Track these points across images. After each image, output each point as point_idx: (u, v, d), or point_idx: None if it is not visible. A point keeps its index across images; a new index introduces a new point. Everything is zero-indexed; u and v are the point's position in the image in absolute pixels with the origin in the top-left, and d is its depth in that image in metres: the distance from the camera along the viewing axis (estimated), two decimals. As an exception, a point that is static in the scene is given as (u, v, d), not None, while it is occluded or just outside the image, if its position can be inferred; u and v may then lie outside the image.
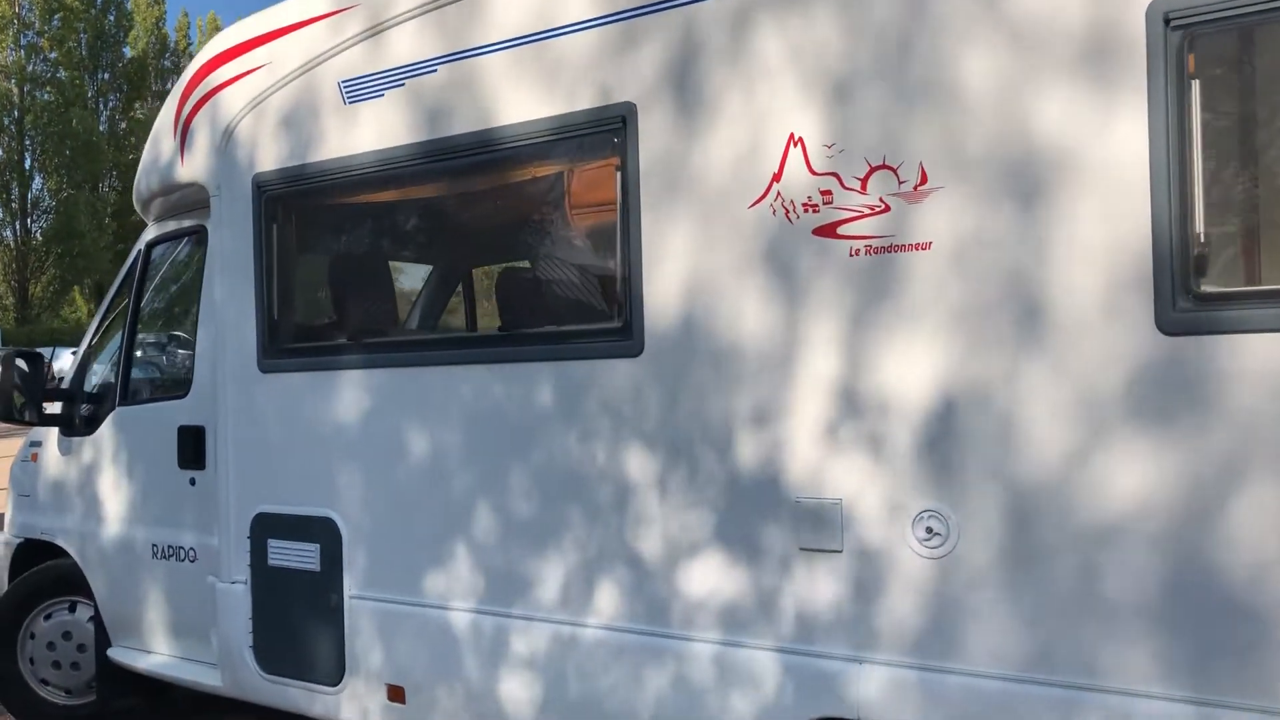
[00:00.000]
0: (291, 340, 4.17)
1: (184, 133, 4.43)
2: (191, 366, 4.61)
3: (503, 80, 3.46)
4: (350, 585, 3.90)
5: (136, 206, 4.98)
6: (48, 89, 47.09)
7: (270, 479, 4.13)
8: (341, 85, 3.89)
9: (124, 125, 53.62)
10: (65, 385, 5.20)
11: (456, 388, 3.59)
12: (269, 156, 4.10)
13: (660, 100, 3.16)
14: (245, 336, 4.17)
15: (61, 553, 5.19)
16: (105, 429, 4.92)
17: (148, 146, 4.69)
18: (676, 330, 3.13)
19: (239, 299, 4.19)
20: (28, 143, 47.21)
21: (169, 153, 4.52)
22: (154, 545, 4.71)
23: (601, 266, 3.37)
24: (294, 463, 4.05)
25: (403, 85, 3.72)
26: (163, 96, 57.90)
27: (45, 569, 5.24)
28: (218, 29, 62.09)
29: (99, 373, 5.16)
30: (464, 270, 3.93)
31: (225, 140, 4.24)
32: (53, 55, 47.89)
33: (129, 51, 54.63)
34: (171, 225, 4.86)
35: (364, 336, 4.05)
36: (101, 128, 50.96)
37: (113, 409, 4.90)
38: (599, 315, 3.42)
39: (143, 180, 4.74)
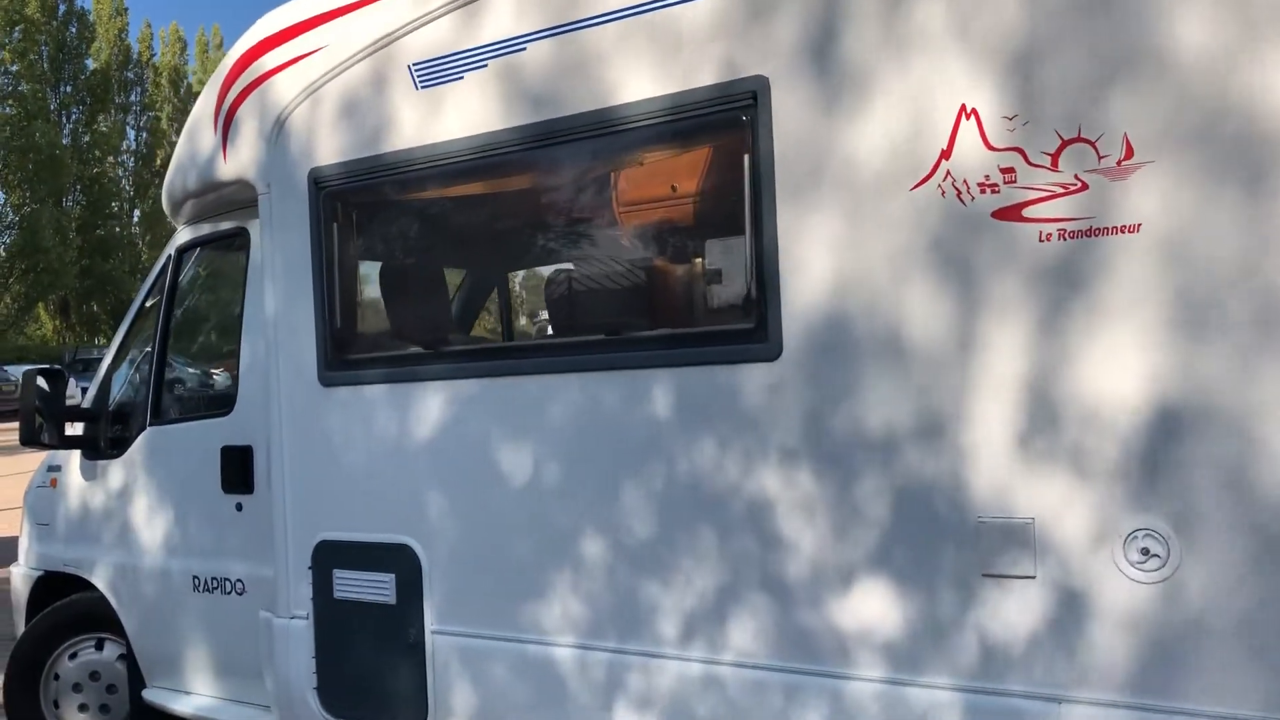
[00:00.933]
0: (359, 350, 3.79)
1: (227, 124, 4.05)
2: (234, 381, 4.23)
3: (608, 57, 3.12)
4: (432, 619, 3.53)
5: (166, 208, 4.58)
6: (9, 102, 46.07)
7: (335, 503, 3.75)
8: (413, 69, 3.53)
9: (87, 138, 52.66)
10: (87, 404, 4.78)
11: (557, 398, 3.23)
12: (328, 149, 3.73)
13: (797, 73, 2.83)
14: (302, 347, 3.80)
15: (86, 585, 4.78)
16: (135, 451, 4.52)
17: (182, 141, 4.30)
18: (823, 330, 2.80)
19: (294, 306, 3.82)
20: (-11, 157, 46.16)
21: (209, 147, 4.14)
22: (195, 577, 4.31)
23: (727, 260, 3.03)
24: (363, 485, 3.67)
25: (485, 66, 3.36)
26: (126, 110, 57.10)
27: (69, 604, 4.82)
28: (180, 40, 61.36)
29: (125, 390, 4.75)
30: (559, 268, 3.57)
31: (276, 132, 3.86)
32: (14, 68, 46.88)
33: (91, 64, 53.67)
34: (206, 228, 4.47)
35: (445, 344, 3.69)
36: (65, 141, 49.97)
37: (143, 429, 4.50)
38: (726, 315, 3.08)
39: (177, 179, 4.34)
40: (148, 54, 58.40)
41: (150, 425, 4.47)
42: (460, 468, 3.44)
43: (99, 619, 4.72)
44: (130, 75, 57.23)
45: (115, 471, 4.61)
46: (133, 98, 57.73)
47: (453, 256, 3.73)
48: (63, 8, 50.88)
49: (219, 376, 4.58)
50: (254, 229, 4.24)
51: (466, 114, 3.40)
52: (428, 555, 3.53)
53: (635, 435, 3.10)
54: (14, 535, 11.12)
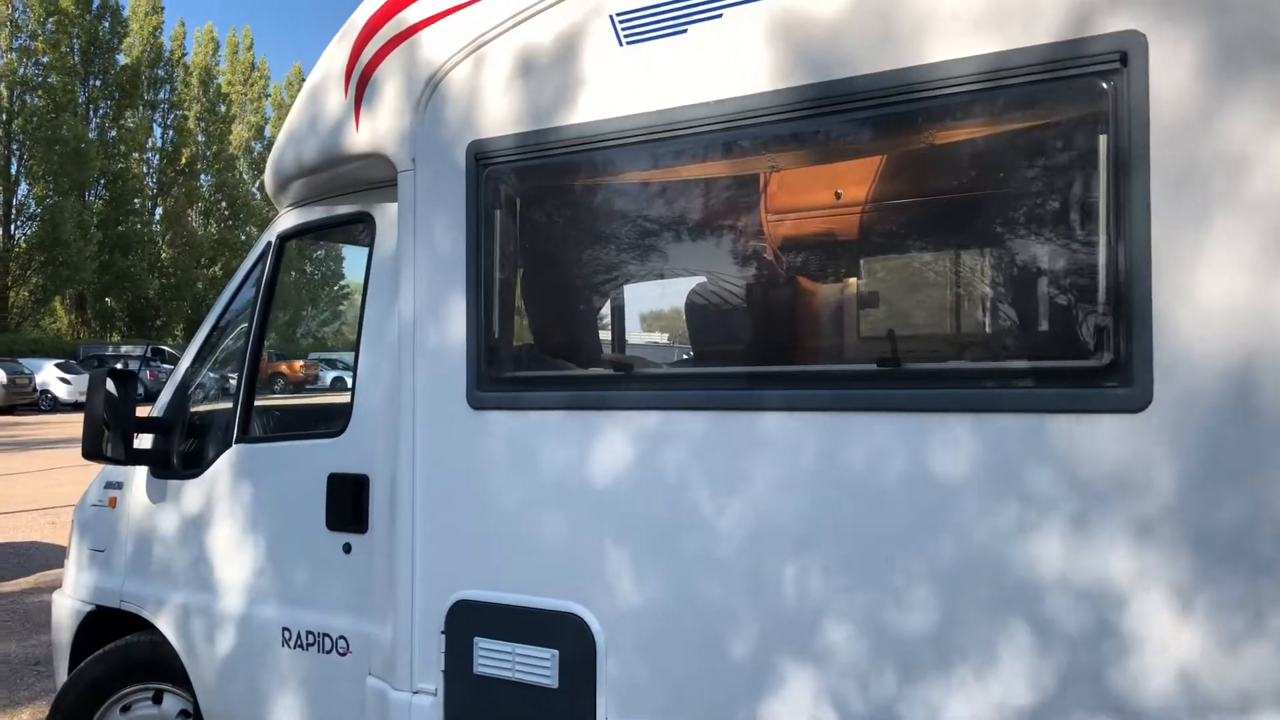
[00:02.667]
0: (522, 366, 3.08)
1: (361, 87, 3.35)
2: (350, 395, 3.50)
3: (898, 5, 2.41)
4: (608, 709, 2.79)
5: (270, 186, 3.87)
6: (38, 93, 45.68)
7: (480, 554, 3.03)
8: (617, 19, 2.83)
9: (114, 133, 52.29)
10: (158, 412, 4.06)
11: (802, 441, 2.51)
12: (495, 118, 3.03)
13: (1188, 28, 2.12)
14: (446, 360, 3.08)
15: (144, 624, 4.05)
16: (216, 471, 3.80)
17: (299, 107, 3.60)
18: (1215, 377, 2.07)
19: (437, 309, 3.11)
20: (14, 147, 45.76)
21: (336, 113, 3.43)
22: (285, 629, 3.58)
23: (1066, 274, 2.31)
24: (520, 533, 2.95)
25: (719, 16, 2.66)
26: (154, 106, 56.70)
27: (124, 647, 4.08)
28: (213, 40, 61.09)
29: (207, 398, 4.03)
30: (803, 275, 2.84)
31: (427, 97, 3.16)
32: (45, 60, 46.52)
33: (122, 59, 53.34)
34: (319, 212, 3.76)
35: (645, 364, 2.97)
36: (91, 135, 49.58)
37: (228, 446, 3.78)
38: (1062, 348, 2.35)
39: (289, 151, 3.64)
40: (179, 52, 58.05)
41: (237, 442, 3.75)
42: (656, 520, 2.71)
43: (159, 667, 3.99)
44: (160, 73, 56.88)
45: (190, 494, 3.88)
46: (161, 95, 57.37)
47: (658, 256, 3.00)
48: (96, 2, 50.58)
49: (330, 388, 3.85)
50: (381, 214, 3.54)
51: (689, 75, 2.69)
52: (605, 629, 2.80)
53: (910, 495, 2.38)
54: (16, 541, 10.41)
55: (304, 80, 3.68)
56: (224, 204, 60.23)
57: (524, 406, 2.97)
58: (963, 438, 2.32)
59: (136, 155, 54.34)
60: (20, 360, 34.47)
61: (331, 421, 3.57)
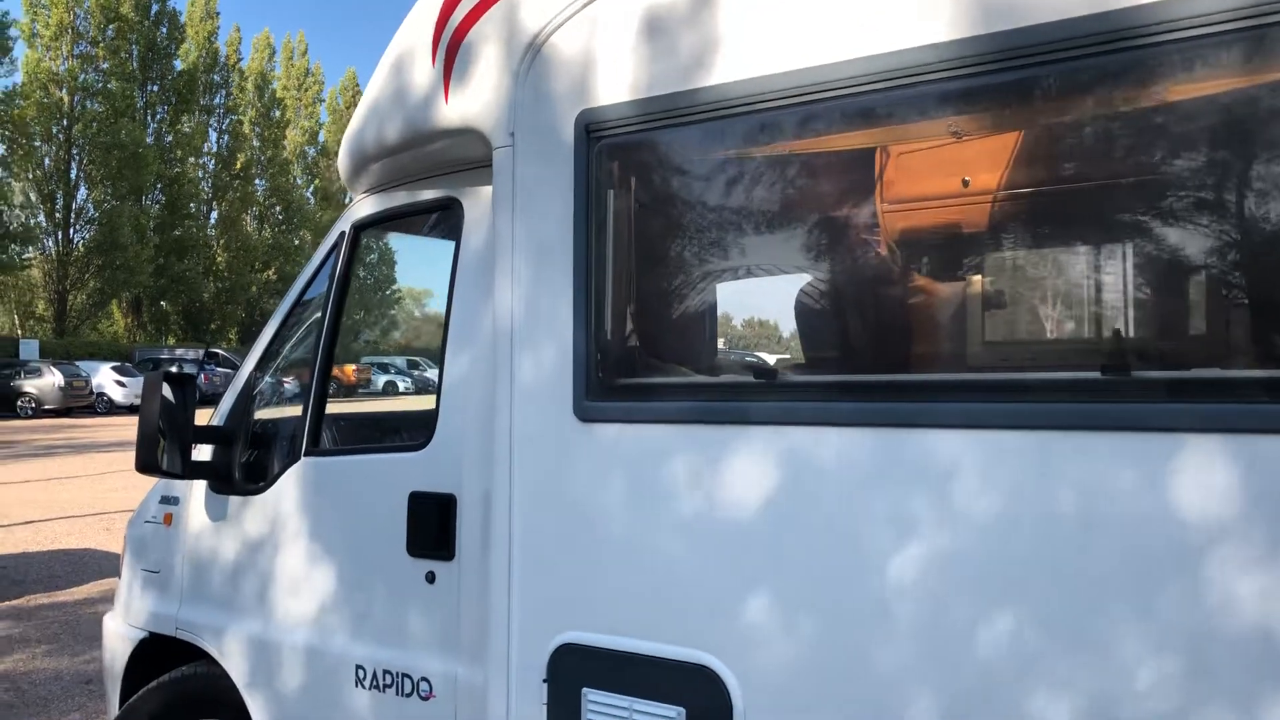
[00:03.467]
0: (644, 372, 2.66)
1: (450, 55, 2.94)
2: (435, 404, 3.10)
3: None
4: (746, 782, 2.35)
5: (345, 171, 3.48)
6: (98, 99, 46.20)
7: (590, 590, 2.60)
8: (759, -36, 2.39)
9: (170, 138, 52.80)
10: (219, 421, 3.69)
11: (996, 466, 2.05)
12: (609, 84, 2.60)
13: None
14: (549, 364, 2.66)
15: (202, 655, 3.68)
16: (283, 487, 3.41)
17: (378, 82, 3.20)
18: None
19: (540, 306, 2.69)
20: (75, 152, 46.29)
21: (422, 86, 3.03)
22: (359, 667, 3.18)
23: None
24: (639, 568, 2.52)
25: (888, -43, 2.21)
26: (210, 111, 57.21)
27: (181, 679, 3.71)
28: (269, 45, 61.57)
29: (272, 406, 3.65)
30: (999, 260, 2.37)
31: (528, 63, 2.75)
32: (105, 65, 47.07)
33: (179, 65, 53.88)
34: (400, 198, 3.36)
35: (793, 370, 2.53)
36: (148, 139, 50.09)
37: (295, 459, 3.39)
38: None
39: (368, 130, 3.24)
40: (235, 58, 58.56)
41: (306, 455, 3.36)
42: (808, 557, 2.27)
43: (219, 701, 3.61)
44: (216, 78, 57.41)
45: (254, 512, 3.50)
46: (216, 100, 57.93)
47: (816, 242, 2.55)
48: (155, 8, 51.21)
49: (412, 395, 3.43)
50: (471, 199, 3.13)
51: (859, 26, 2.25)
52: (742, 686, 2.36)
53: (1148, 535, 1.91)
54: (70, 549, 10.13)
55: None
56: (278, 208, 60.65)
57: (643, 419, 2.54)
58: (1219, 464, 1.85)
59: (192, 160, 54.86)
60: (77, 363, 34.77)
61: (413, 433, 3.16)
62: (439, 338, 3.14)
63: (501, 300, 2.79)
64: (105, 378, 34.16)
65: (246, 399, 3.65)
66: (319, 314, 3.44)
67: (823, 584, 2.25)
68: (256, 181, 59.59)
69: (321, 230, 62.93)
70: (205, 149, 56.57)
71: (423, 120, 3.03)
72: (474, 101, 2.87)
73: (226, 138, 57.92)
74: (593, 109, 2.62)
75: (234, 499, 3.58)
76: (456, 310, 3.10)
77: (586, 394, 2.61)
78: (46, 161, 45.63)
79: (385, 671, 3.12)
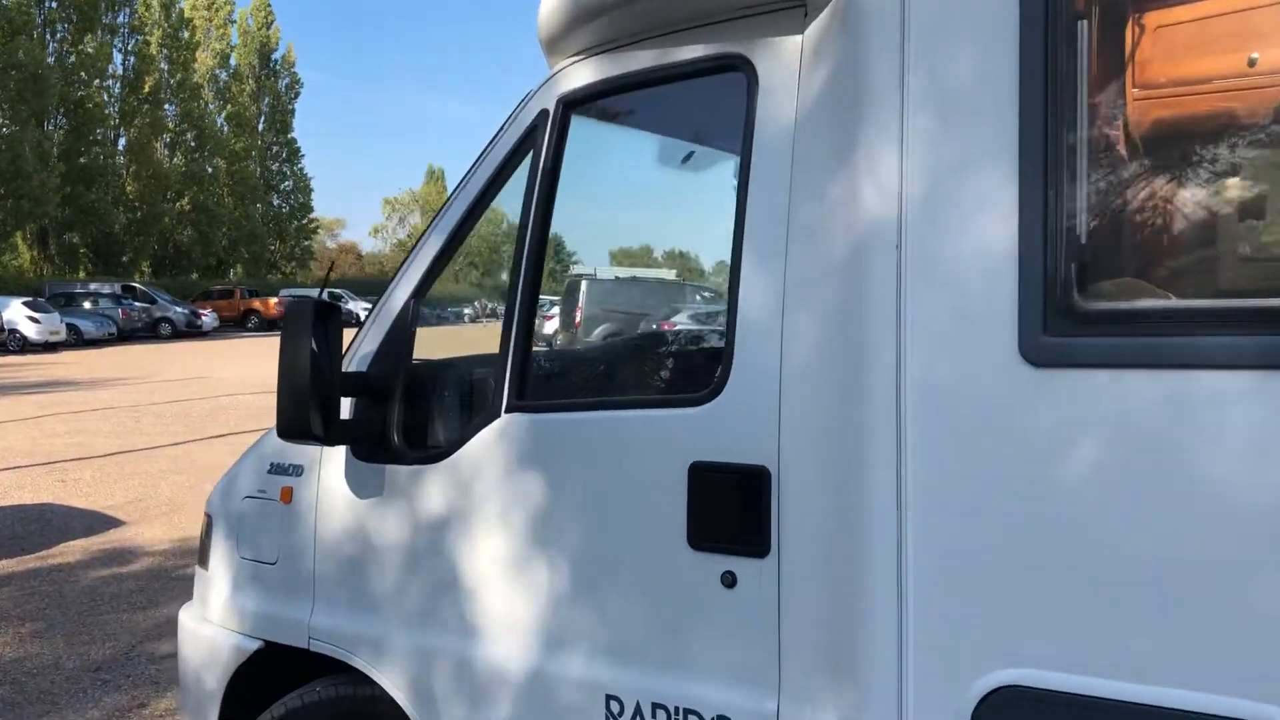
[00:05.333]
0: (1148, 293, 1.83)
1: None
2: (727, 340, 2.23)
3: None
4: None
5: (548, 26, 2.55)
6: (-8, 15, 43.01)
7: (1052, 607, 1.79)
8: None
9: (73, 59, 49.56)
10: (359, 366, 2.77)
11: None
12: None
13: None
14: (974, 280, 1.83)
15: (340, 667, 2.81)
16: (474, 454, 2.53)
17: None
18: None
19: (952, 192, 1.85)
20: (-32, 73, 43.18)
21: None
22: (613, 699, 2.34)
23: None
24: (1145, 578, 1.71)
25: None
26: (114, 31, 53.74)
27: (317, 704, 2.84)
28: (176, -40, 58.01)
29: (444, 345, 2.75)
30: None
31: None
32: (-2, -21, 43.77)
33: (80, -21, 50.44)
34: (642, 60, 2.43)
35: None
36: (49, 60, 46.95)
37: (494, 416, 2.50)
38: None
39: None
40: (139, -27, 55.14)
41: (509, 410, 2.48)
42: None
43: (370, 733, 2.76)
44: (120, -7, 54.02)
45: (428, 488, 2.61)
46: (120, 19, 54.57)
47: None
48: (51, -82, 47.78)
49: (685, 331, 2.55)
50: (768, 56, 2.23)
51: None
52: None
53: None
54: (25, 504, 8.94)
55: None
56: (190, 135, 57.75)
57: (1147, 361, 1.72)
58: None
59: (97, 82, 51.69)
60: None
61: (694, 380, 2.30)
62: (702, 251, 2.27)
63: (869, 188, 1.93)
64: (17, 313, 32.01)
65: (400, 337, 2.73)
66: (524, 218, 2.52)
67: None
68: (166, 106, 56.53)
69: (237, 158, 60.14)
70: (110, 71, 53.35)
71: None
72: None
73: (133, 59, 54.68)
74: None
75: (393, 469, 2.68)
76: (754, 209, 2.22)
77: (1044, 328, 1.77)
78: (-62, 82, 42.55)
79: (657, 706, 2.29)
